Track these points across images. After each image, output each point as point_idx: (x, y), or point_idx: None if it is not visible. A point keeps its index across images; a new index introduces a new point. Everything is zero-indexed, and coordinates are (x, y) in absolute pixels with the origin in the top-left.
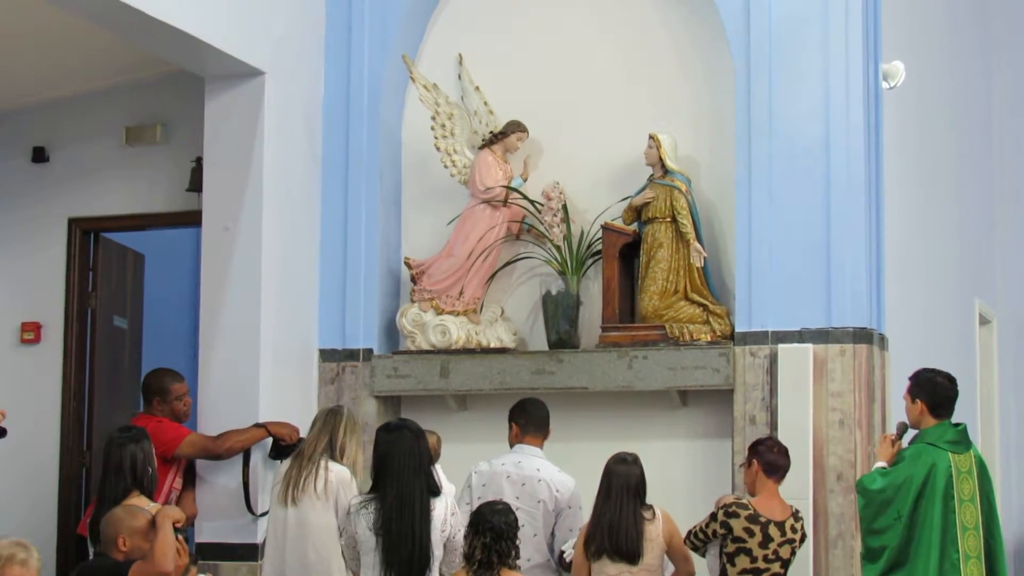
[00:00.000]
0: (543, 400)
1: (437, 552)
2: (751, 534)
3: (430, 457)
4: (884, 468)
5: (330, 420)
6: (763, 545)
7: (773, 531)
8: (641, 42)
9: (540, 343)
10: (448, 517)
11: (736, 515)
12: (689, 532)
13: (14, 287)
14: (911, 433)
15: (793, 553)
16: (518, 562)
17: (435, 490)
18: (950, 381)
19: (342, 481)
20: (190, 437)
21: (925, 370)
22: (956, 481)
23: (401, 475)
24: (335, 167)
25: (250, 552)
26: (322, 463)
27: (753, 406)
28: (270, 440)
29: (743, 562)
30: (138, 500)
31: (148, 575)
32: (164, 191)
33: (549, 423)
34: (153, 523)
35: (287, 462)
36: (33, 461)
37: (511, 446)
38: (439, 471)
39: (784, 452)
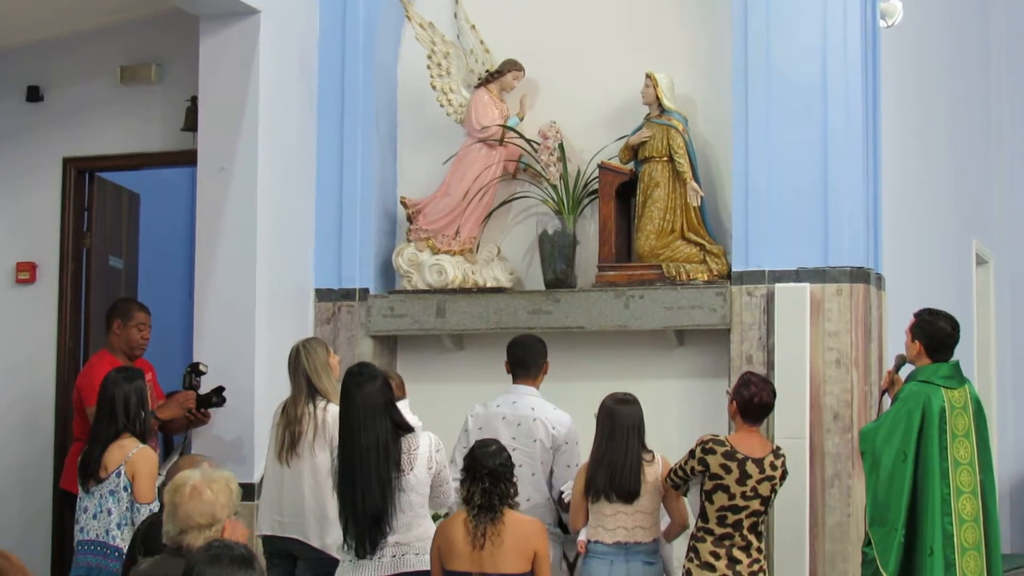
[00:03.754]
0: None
1: (424, 490)
2: (728, 471)
3: (391, 397)
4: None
5: (298, 372)
6: (740, 482)
7: (751, 468)
8: None
9: (536, 282)
10: (433, 454)
11: (713, 451)
12: (670, 471)
13: (9, 227)
14: (908, 368)
15: (774, 491)
16: (517, 499)
17: (405, 427)
18: (952, 327)
19: (336, 418)
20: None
21: (929, 311)
22: (950, 416)
23: (364, 421)
24: (331, 106)
25: (246, 493)
26: (306, 415)
27: (750, 346)
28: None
29: (721, 499)
30: (129, 441)
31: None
32: (159, 130)
33: (545, 359)
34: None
35: (277, 414)
36: (29, 401)
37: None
38: (406, 408)
39: (763, 402)
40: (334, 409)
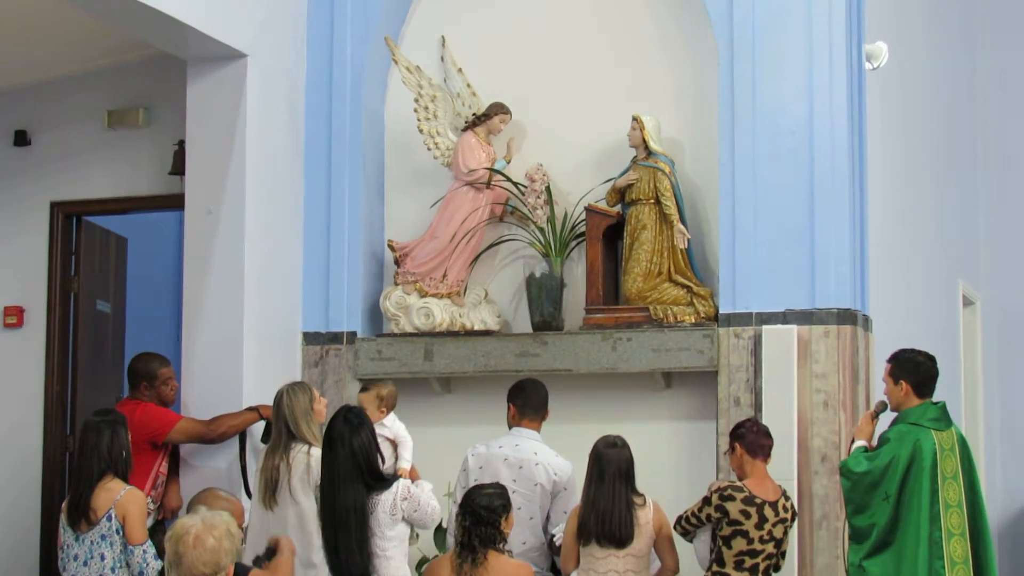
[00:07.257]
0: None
1: (388, 532)
2: (747, 516)
3: (368, 449)
4: (865, 448)
5: (279, 418)
6: (759, 526)
7: (768, 512)
8: (624, 23)
9: (524, 325)
10: (399, 502)
11: (732, 498)
12: (679, 517)
13: None
14: (891, 415)
15: (785, 532)
16: (508, 548)
17: (371, 484)
18: (931, 360)
19: (320, 462)
20: (181, 423)
21: (904, 351)
22: (940, 459)
23: (343, 482)
24: (318, 150)
25: None
26: (284, 462)
27: (737, 388)
28: (262, 424)
29: (739, 544)
30: (113, 483)
31: None
32: (147, 174)
33: (547, 405)
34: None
35: (261, 456)
36: (17, 445)
37: (510, 427)
38: (394, 421)
39: (765, 431)
40: (318, 453)
